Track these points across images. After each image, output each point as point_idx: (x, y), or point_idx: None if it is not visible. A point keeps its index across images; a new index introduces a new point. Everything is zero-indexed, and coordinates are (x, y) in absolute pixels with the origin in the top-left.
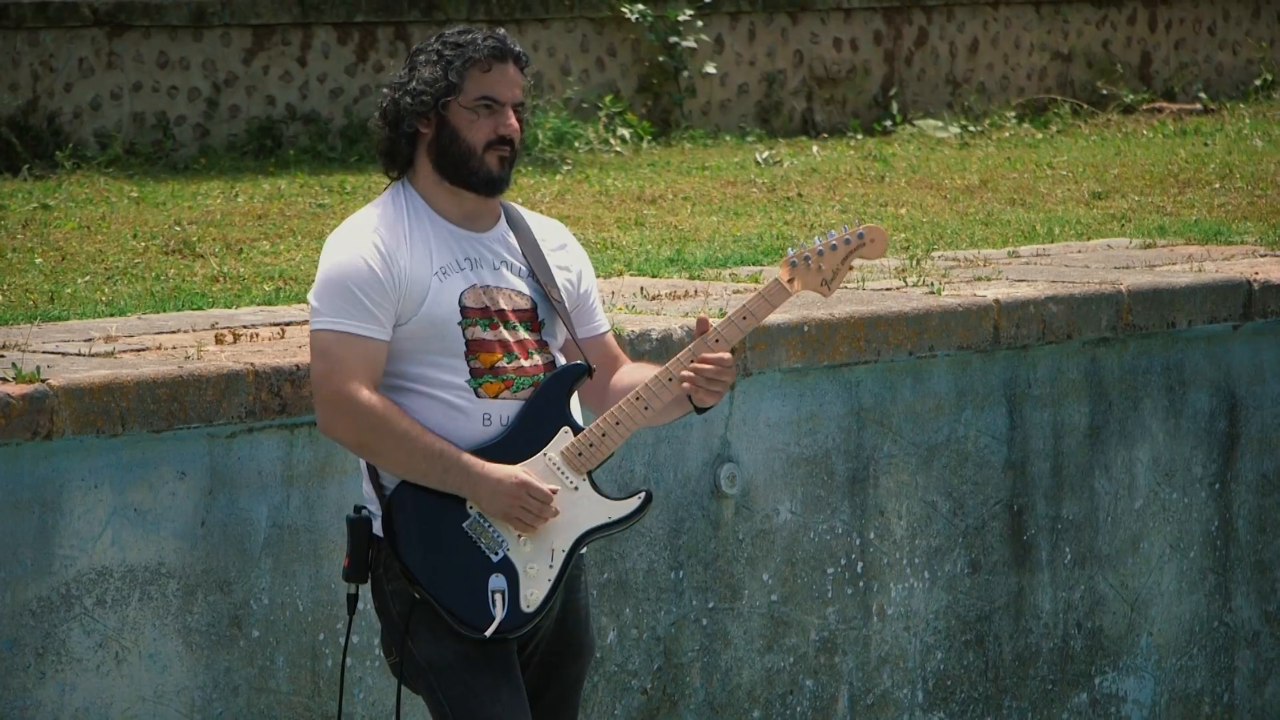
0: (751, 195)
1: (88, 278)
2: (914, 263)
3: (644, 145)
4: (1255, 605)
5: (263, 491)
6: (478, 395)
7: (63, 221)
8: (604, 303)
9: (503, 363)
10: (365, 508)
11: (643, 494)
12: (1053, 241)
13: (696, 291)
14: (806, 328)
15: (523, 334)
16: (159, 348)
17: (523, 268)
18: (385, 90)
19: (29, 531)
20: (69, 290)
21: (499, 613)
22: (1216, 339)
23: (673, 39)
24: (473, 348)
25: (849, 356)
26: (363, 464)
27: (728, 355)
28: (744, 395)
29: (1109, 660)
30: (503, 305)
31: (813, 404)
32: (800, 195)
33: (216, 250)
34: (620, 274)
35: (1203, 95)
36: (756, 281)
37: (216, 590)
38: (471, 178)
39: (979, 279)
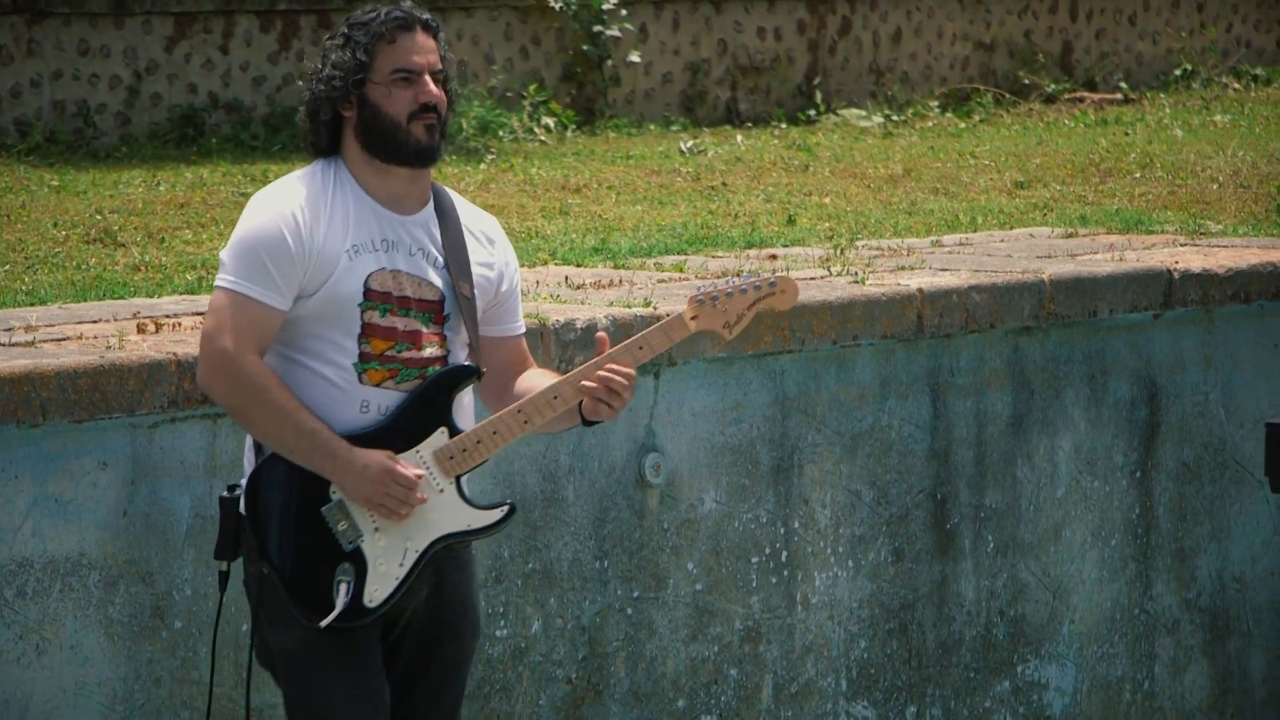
0: (676, 184)
1: (7, 267)
2: (838, 252)
3: (568, 134)
4: (1175, 593)
5: (185, 482)
6: (360, 380)
7: None
8: (528, 293)
9: (392, 351)
10: (237, 484)
11: (506, 506)
12: (975, 231)
13: (621, 281)
14: None
15: (420, 325)
16: (80, 337)
17: (439, 258)
18: (302, 84)
19: None
20: None
21: (340, 602)
22: (1137, 328)
23: (597, 28)
24: (367, 332)
25: (773, 346)
26: (247, 444)
27: (632, 371)
28: (669, 385)
29: (1031, 648)
30: (408, 293)
31: (737, 393)
32: (725, 184)
33: (138, 239)
34: (545, 263)
35: (1123, 85)
36: (680, 270)
37: (139, 581)
38: (401, 150)
39: (903, 268)
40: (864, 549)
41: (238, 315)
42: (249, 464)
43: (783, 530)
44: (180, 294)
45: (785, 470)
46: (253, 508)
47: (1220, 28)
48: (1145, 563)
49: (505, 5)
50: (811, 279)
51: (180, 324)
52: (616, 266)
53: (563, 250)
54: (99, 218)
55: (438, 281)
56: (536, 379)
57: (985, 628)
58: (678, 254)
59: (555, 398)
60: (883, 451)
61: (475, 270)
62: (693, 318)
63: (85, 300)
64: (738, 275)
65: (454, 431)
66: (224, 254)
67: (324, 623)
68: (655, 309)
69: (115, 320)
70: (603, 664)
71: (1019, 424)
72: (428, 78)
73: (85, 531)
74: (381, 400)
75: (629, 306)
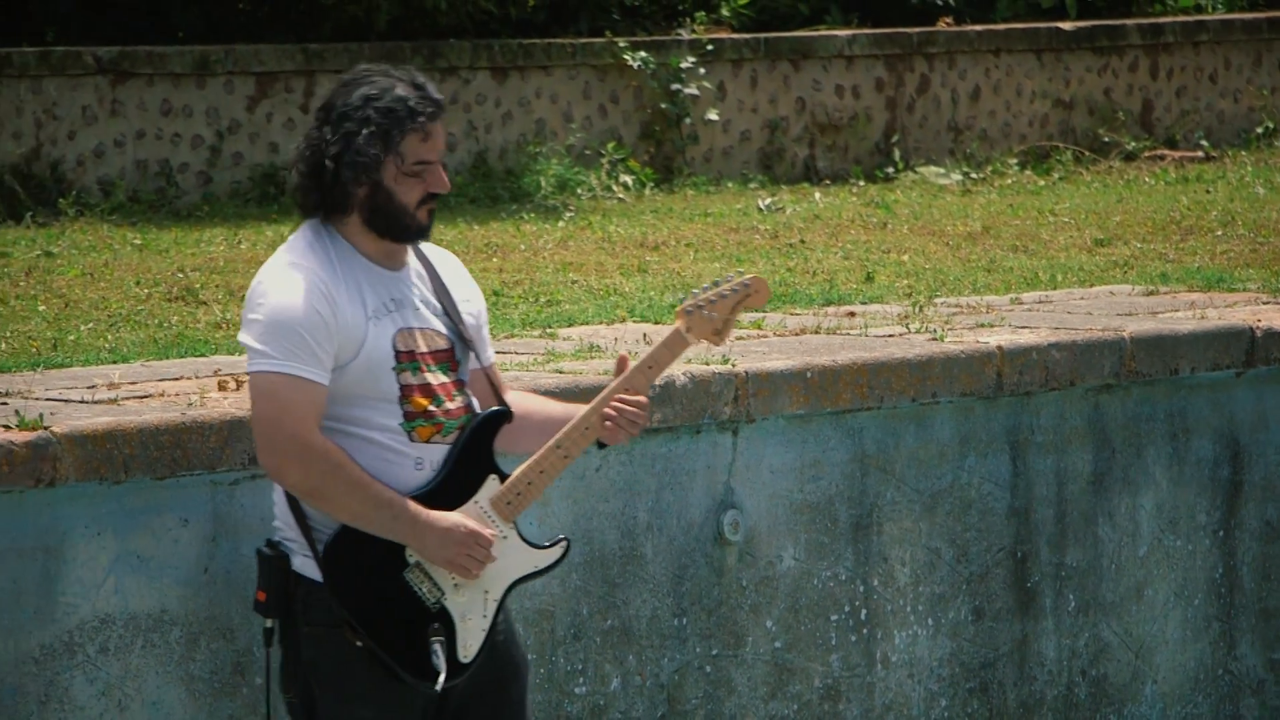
0: (754, 242)
1: (91, 325)
2: (917, 309)
3: (647, 192)
4: (1260, 653)
5: (265, 538)
6: (411, 439)
7: (66, 269)
8: (606, 349)
9: (432, 407)
10: (280, 542)
11: (564, 543)
12: (1055, 288)
13: None
14: (810, 374)
15: (443, 377)
16: (162, 395)
17: (438, 306)
18: (308, 148)
19: (32, 579)
20: (72, 337)
21: (442, 664)
22: (1219, 386)
23: (675, 86)
24: (405, 392)
25: (852, 403)
26: (277, 499)
27: (645, 399)
28: (747, 442)
29: (1114, 708)
30: (425, 348)
31: (816, 450)
32: (803, 242)
33: (219, 297)
34: (623, 320)
35: (1204, 142)
36: (759, 328)
37: (219, 637)
38: (405, 232)
39: (982, 325)
40: (944, 607)
41: (296, 396)
42: (286, 520)
43: (862, 588)
44: None
45: (864, 528)
46: (336, 580)
47: None
48: (1229, 623)
49: (584, 64)
50: (890, 336)
51: None
52: None
53: (641, 308)
54: (181, 276)
55: (443, 329)
56: (531, 401)
57: (1067, 687)
58: (756, 311)
59: (587, 429)
60: (962, 509)
61: (462, 309)
62: (688, 329)
63: (167, 358)
64: (712, 283)
65: (503, 477)
66: (252, 338)
67: (439, 686)
68: (734, 366)
69: (197, 378)
70: None
71: (1100, 482)
72: (440, 166)
73: (167, 588)
74: (432, 456)
75: (707, 363)
